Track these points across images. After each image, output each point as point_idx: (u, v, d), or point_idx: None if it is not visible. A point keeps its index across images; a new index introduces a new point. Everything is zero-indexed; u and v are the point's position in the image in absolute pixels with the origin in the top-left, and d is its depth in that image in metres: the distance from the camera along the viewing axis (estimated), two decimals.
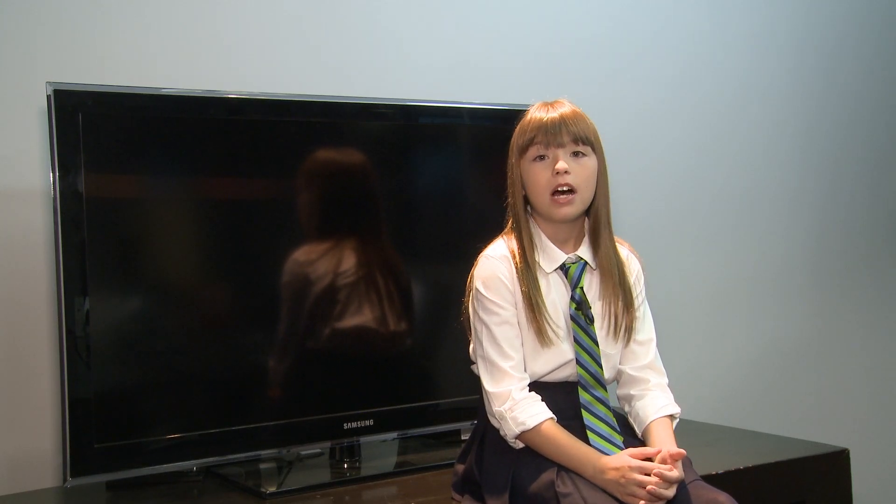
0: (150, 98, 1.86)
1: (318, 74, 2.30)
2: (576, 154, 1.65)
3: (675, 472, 1.52)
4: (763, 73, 3.00)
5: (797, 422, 2.93)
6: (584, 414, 1.65)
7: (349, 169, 2.06)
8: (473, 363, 1.76)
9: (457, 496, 1.76)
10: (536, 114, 1.68)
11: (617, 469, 1.52)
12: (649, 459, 1.54)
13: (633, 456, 1.54)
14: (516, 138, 1.69)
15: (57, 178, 1.75)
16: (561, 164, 1.63)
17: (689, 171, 2.86)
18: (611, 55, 2.73)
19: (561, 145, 1.64)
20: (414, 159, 2.18)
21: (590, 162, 1.66)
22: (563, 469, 1.58)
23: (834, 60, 3.15)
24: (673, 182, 2.83)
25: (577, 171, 1.64)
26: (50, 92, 1.75)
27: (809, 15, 3.10)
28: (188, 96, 1.91)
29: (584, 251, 1.71)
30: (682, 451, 1.55)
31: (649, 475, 1.50)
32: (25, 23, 2.01)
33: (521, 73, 2.58)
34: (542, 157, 1.66)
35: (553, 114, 1.66)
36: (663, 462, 1.52)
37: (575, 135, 1.64)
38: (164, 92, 1.88)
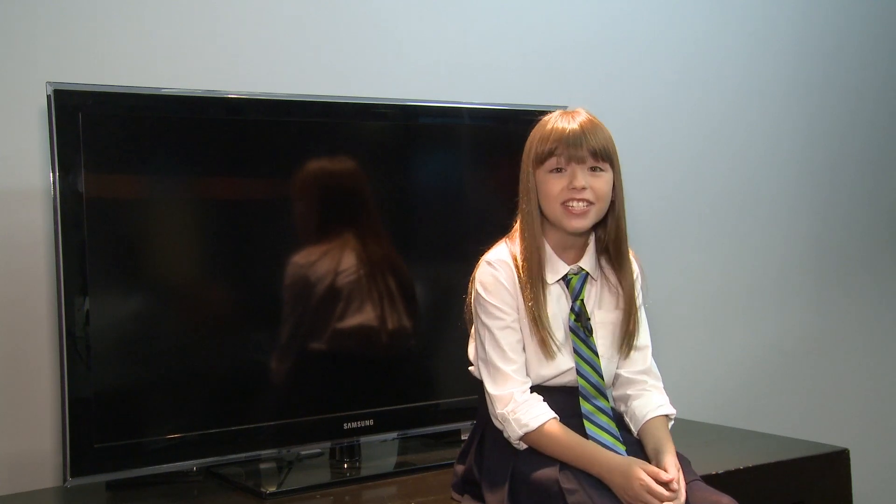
0: (150, 98, 1.86)
1: (318, 74, 2.30)
2: (593, 169, 1.64)
3: (679, 501, 1.52)
4: (763, 73, 3.00)
5: (797, 422, 2.93)
6: (586, 424, 1.66)
7: (349, 169, 2.05)
8: (471, 365, 1.76)
9: (456, 496, 1.76)
10: (557, 125, 1.64)
11: (625, 477, 1.52)
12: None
13: (646, 472, 1.53)
14: (535, 146, 1.66)
15: (57, 178, 1.75)
16: (579, 182, 1.61)
17: (690, 171, 2.86)
18: (611, 55, 2.73)
19: (581, 161, 1.62)
20: (414, 159, 2.18)
21: (607, 176, 1.65)
22: (565, 465, 1.59)
23: (834, 60, 3.15)
24: (673, 182, 2.83)
25: (594, 186, 1.63)
26: (50, 92, 1.75)
27: (809, 15, 3.10)
28: (188, 96, 1.91)
29: (587, 262, 1.71)
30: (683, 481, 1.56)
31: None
32: (25, 23, 2.01)
33: (521, 73, 2.58)
34: (559, 170, 1.64)
35: (573, 125, 1.63)
36: (672, 489, 1.52)
37: (595, 150, 1.62)
38: (164, 92, 1.88)
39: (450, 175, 2.22)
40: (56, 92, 1.75)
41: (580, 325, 1.68)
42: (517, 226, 1.71)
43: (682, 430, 2.16)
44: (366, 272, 2.04)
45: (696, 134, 2.88)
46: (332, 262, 2.01)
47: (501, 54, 2.56)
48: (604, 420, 1.67)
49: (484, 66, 2.52)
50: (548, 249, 1.69)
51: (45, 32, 2.02)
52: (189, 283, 1.95)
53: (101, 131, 1.80)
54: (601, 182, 1.64)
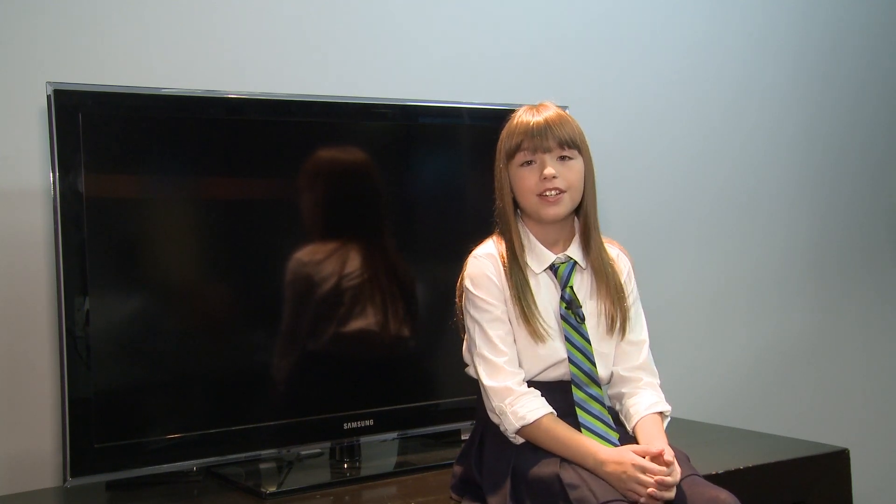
0: (150, 98, 1.86)
1: (319, 74, 2.30)
2: (562, 158, 1.67)
3: (674, 477, 1.52)
4: (763, 73, 3.00)
5: (797, 422, 2.93)
6: (579, 412, 1.66)
7: (349, 169, 2.06)
8: (467, 365, 1.77)
9: (455, 497, 1.76)
10: (522, 119, 1.69)
11: (619, 464, 1.53)
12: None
13: (635, 452, 1.55)
14: (503, 143, 1.71)
15: (57, 178, 1.75)
16: (548, 170, 1.65)
17: (690, 171, 2.86)
18: (611, 55, 2.73)
19: (547, 150, 1.66)
20: (414, 159, 2.18)
21: (576, 164, 1.68)
22: (566, 461, 1.59)
23: (834, 60, 3.15)
24: (673, 182, 2.83)
25: (564, 174, 1.66)
26: (50, 92, 1.75)
27: (809, 15, 3.10)
28: (188, 96, 1.90)
29: (574, 251, 1.73)
30: (672, 453, 1.56)
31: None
32: (25, 23, 2.01)
33: (522, 73, 2.58)
34: (529, 163, 1.67)
35: (538, 118, 1.67)
36: (662, 462, 1.52)
37: (560, 139, 1.66)
38: (164, 92, 1.88)
39: (450, 175, 2.22)
40: (56, 92, 1.75)
41: (571, 312, 1.69)
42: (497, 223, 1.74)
43: (682, 430, 2.17)
44: (365, 272, 2.04)
45: (696, 134, 2.88)
46: (332, 262, 2.01)
47: (501, 54, 2.56)
48: (596, 408, 1.67)
49: (484, 66, 2.52)
50: (532, 240, 1.71)
51: (45, 32, 2.02)
52: (189, 283, 1.95)
53: (101, 131, 1.80)
54: (570, 170, 1.67)
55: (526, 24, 2.61)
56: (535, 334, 1.66)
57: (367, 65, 2.37)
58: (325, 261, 2.01)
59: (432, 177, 2.19)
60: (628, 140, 2.74)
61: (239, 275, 1.96)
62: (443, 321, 2.09)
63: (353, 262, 2.03)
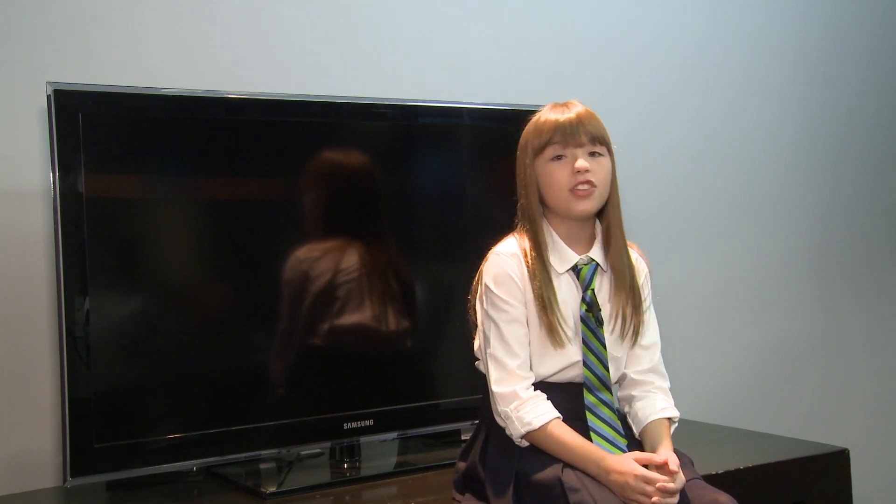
0: (150, 98, 1.86)
1: (319, 74, 2.30)
2: (593, 154, 1.66)
3: (678, 485, 1.52)
4: (763, 74, 3.00)
5: (797, 422, 2.93)
6: (589, 416, 1.66)
7: (349, 169, 2.06)
8: (478, 360, 1.76)
9: (458, 495, 1.76)
10: (552, 115, 1.67)
11: (622, 473, 1.52)
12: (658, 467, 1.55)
13: (639, 461, 1.54)
14: (531, 139, 1.68)
15: (57, 178, 1.75)
16: (581, 163, 1.63)
17: (690, 172, 2.86)
18: (611, 55, 2.73)
19: (579, 145, 1.64)
20: (414, 159, 2.18)
21: (606, 161, 1.67)
22: (568, 465, 1.59)
23: (834, 60, 3.15)
24: (673, 182, 2.83)
25: (595, 169, 1.65)
26: (50, 92, 1.75)
27: (809, 15, 3.10)
28: (188, 96, 1.91)
29: (596, 253, 1.71)
30: (678, 462, 1.56)
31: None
32: (25, 23, 2.01)
33: (521, 73, 2.58)
34: (559, 157, 1.66)
35: (569, 114, 1.66)
36: (667, 471, 1.52)
37: (592, 135, 1.65)
38: (164, 92, 1.88)
39: (450, 175, 2.22)
40: (56, 92, 1.75)
41: (591, 315, 1.68)
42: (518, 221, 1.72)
43: (682, 430, 2.15)
44: (366, 272, 2.04)
45: (696, 134, 2.88)
46: (332, 261, 2.01)
47: (501, 54, 2.56)
48: (606, 413, 1.67)
49: (484, 66, 2.52)
50: (556, 239, 1.69)
51: (45, 32, 2.02)
52: (188, 283, 1.95)
53: (101, 131, 1.80)
54: (601, 166, 1.66)
55: (526, 24, 2.61)
56: (554, 336, 1.65)
57: (367, 64, 2.37)
58: (324, 261, 2.01)
59: (432, 177, 2.19)
60: (628, 140, 2.72)
61: (239, 275, 1.96)
62: (443, 321, 2.09)
63: (353, 263, 2.03)
